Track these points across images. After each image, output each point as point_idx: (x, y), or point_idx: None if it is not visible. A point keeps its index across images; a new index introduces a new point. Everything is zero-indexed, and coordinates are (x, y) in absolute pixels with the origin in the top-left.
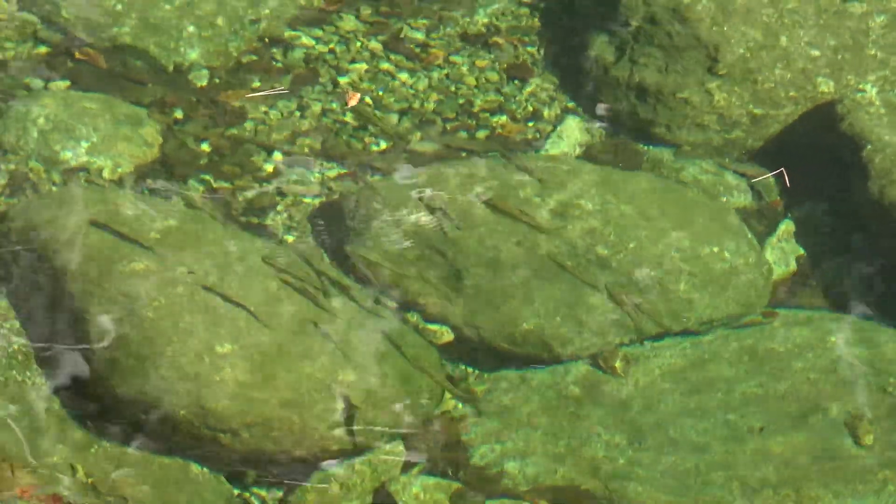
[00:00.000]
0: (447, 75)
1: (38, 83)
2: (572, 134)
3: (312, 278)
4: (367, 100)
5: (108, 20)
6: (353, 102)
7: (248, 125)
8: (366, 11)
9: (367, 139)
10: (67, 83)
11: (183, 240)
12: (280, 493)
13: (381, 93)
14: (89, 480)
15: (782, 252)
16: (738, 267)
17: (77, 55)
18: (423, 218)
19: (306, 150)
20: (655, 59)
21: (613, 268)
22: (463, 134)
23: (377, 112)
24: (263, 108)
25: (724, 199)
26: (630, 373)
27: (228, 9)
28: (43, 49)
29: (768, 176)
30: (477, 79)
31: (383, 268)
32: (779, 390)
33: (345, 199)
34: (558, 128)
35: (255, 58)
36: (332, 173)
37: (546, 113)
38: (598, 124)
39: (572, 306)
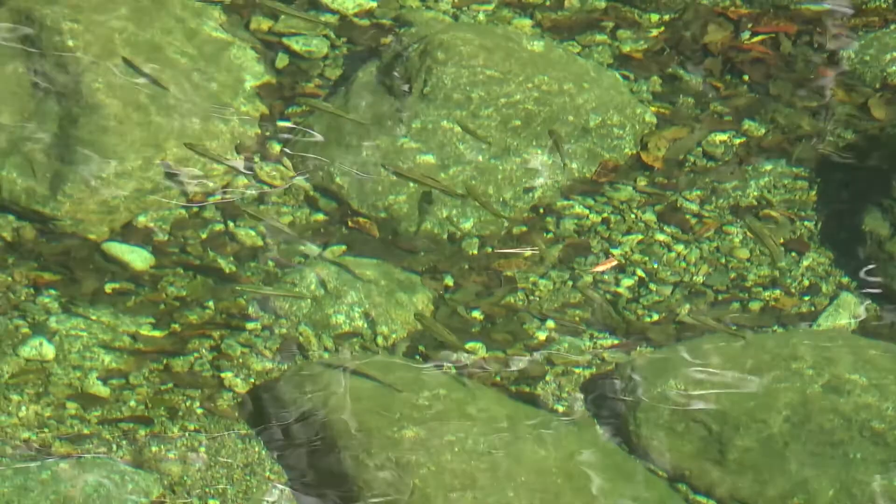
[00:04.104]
0: (717, 248)
1: (313, 249)
2: (847, 308)
3: (583, 449)
4: (640, 272)
5: (380, 189)
6: (602, 267)
7: (520, 294)
8: (641, 182)
9: (639, 311)
10: (342, 248)
11: (452, 408)
12: None
13: (654, 265)
14: None
15: None
16: None
17: (350, 223)
18: (693, 390)
19: (578, 319)
20: None
21: (889, 444)
22: (735, 306)
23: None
24: (534, 278)
25: None
26: None
27: (501, 179)
28: (319, 216)
29: None
30: (751, 251)
31: (654, 439)
32: None
33: (617, 370)
34: (834, 302)
35: (526, 227)
36: (604, 343)
37: (822, 287)
38: (873, 300)
39: (843, 483)
